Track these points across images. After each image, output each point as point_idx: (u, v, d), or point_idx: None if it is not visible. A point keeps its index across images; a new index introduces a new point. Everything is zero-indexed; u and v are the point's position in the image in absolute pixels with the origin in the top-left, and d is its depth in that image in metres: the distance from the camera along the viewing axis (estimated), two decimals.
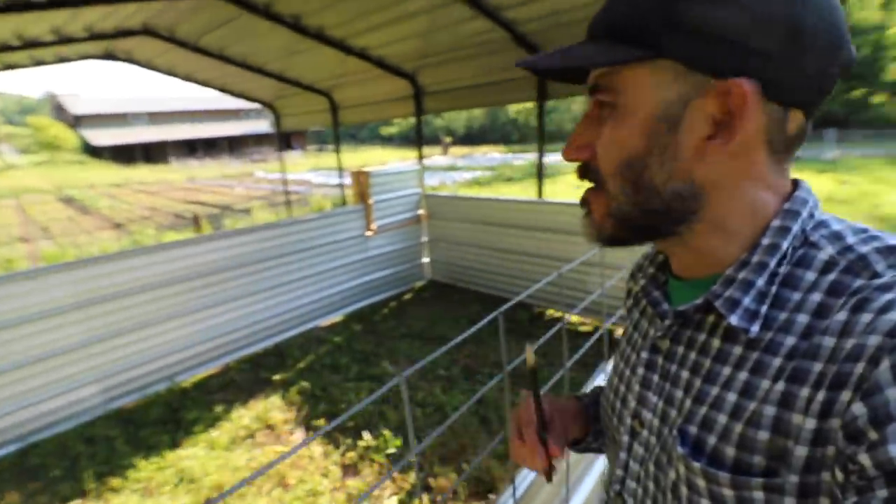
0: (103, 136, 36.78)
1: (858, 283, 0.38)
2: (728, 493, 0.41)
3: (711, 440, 0.43)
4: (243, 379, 3.69)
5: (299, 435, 2.99)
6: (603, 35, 0.44)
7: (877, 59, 26.74)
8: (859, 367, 0.34)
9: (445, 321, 4.47)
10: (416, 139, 5.56)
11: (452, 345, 0.79)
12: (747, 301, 0.42)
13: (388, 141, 51.14)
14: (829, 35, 0.40)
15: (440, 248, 5.44)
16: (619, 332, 3.83)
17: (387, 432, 2.88)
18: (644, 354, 0.54)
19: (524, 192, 13.36)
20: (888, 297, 0.35)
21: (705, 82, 0.40)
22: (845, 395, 0.34)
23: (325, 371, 3.72)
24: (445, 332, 4.25)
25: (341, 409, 3.18)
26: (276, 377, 3.67)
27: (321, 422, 3.07)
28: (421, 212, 5.39)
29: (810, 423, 0.36)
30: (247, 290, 3.98)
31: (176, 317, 3.59)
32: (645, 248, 0.66)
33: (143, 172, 29.20)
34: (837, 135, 20.62)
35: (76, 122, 39.11)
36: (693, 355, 0.48)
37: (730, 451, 0.41)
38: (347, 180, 5.69)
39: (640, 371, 0.54)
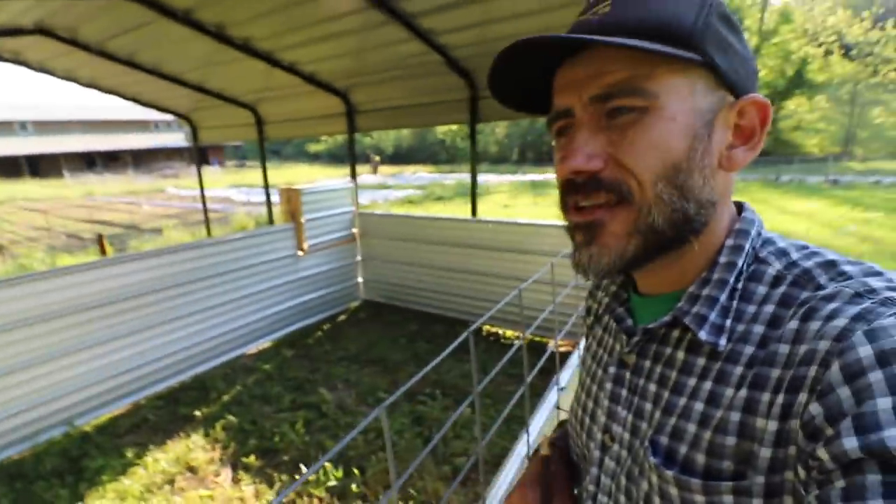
0: None
1: (805, 294, 0.41)
2: (699, 499, 0.42)
3: (683, 449, 0.44)
4: (159, 417, 3.31)
5: (227, 475, 2.72)
6: (626, 32, 0.42)
7: None
8: (812, 371, 0.36)
9: (383, 342, 4.36)
10: (349, 157, 5.45)
11: (429, 368, 0.74)
12: (713, 316, 0.45)
13: (314, 158, 49.81)
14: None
15: (374, 267, 5.33)
16: (564, 347, 3.97)
17: (327, 464, 2.71)
18: (612, 370, 0.55)
19: (456, 210, 13.59)
20: (832, 305, 0.38)
21: (725, 97, 0.45)
22: (802, 397, 0.36)
23: (255, 402, 3.45)
24: (384, 353, 4.14)
25: (275, 443, 2.95)
26: (198, 413, 3.34)
27: (252, 459, 2.82)
28: (354, 230, 5.26)
29: (772, 426, 0.38)
30: (162, 317, 3.61)
31: (74, 351, 3.14)
32: None
33: (28, 187, 25.83)
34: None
35: None
36: (659, 368, 0.49)
37: (700, 458, 0.43)
38: (275, 198, 5.43)
39: (609, 386, 0.55)
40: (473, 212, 4.61)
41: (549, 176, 24.56)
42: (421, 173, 30.13)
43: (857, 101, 34.26)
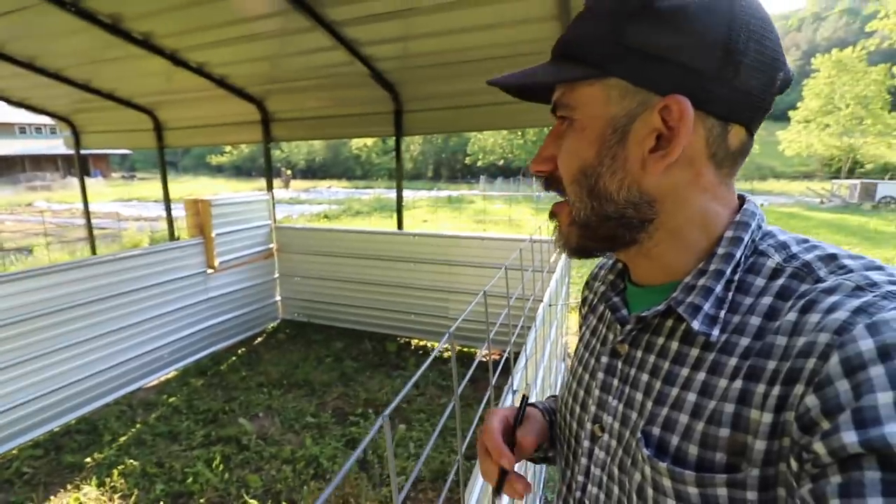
0: None
1: (804, 287, 0.41)
2: (693, 490, 0.42)
3: (674, 440, 0.44)
4: (37, 469, 2.79)
5: None
6: (560, 56, 0.49)
7: None
8: (811, 363, 0.36)
9: (307, 363, 4.11)
10: (265, 167, 5.14)
11: (413, 379, 0.69)
12: (707, 307, 0.45)
13: (217, 171, 46.39)
14: (763, 57, 0.44)
15: (294, 284, 5.04)
16: (495, 356, 4.01)
17: (252, 501, 2.45)
18: (604, 359, 0.55)
19: (376, 225, 13.39)
20: (833, 299, 0.38)
21: (649, 99, 0.44)
22: (798, 389, 0.36)
23: (160, 441, 3.05)
24: (309, 375, 3.89)
25: (187, 485, 2.61)
26: (89, 460, 2.86)
27: None
28: (272, 245, 4.94)
29: (767, 418, 0.38)
30: (35, 350, 3.04)
31: None
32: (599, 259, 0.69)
33: None
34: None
35: None
36: (652, 358, 0.49)
37: (693, 450, 0.42)
38: (179, 212, 4.92)
39: (601, 375, 0.55)
40: (399, 224, 4.56)
41: (465, 192, 25.25)
42: (336, 188, 29.39)
43: None
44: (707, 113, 0.44)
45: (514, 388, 1.60)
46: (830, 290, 0.39)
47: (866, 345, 0.33)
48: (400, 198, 4.55)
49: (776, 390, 0.38)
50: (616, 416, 0.52)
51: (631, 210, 0.47)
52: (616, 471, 0.51)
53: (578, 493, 0.56)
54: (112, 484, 2.64)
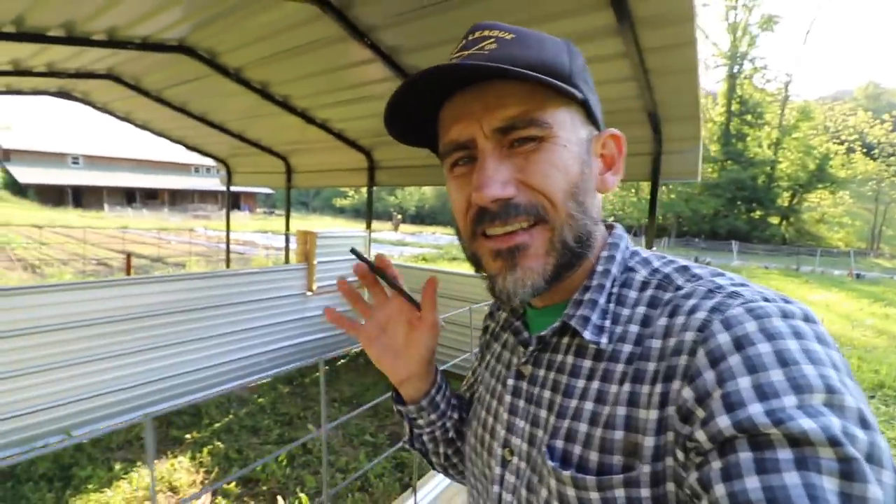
0: (32, 174, 34.49)
1: (668, 295, 0.46)
2: (595, 495, 0.43)
3: (577, 449, 0.46)
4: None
5: (206, 499, 2.75)
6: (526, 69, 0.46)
7: (770, 188, 31.34)
8: (683, 360, 0.40)
9: (377, 387, 4.41)
10: (367, 207, 5.79)
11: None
12: (595, 318, 0.49)
13: (340, 212, 51.60)
14: None
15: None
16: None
17: (303, 496, 2.73)
18: (510, 382, 0.56)
19: (467, 270, 13.76)
20: (691, 302, 0.43)
21: (592, 130, 0.52)
22: (676, 385, 0.40)
23: (244, 432, 3.51)
24: (376, 398, 4.17)
25: (256, 472, 2.99)
26: (188, 437, 3.41)
27: (232, 486, 2.86)
28: None
29: (653, 415, 0.41)
30: (167, 340, 3.78)
31: (79, 363, 3.29)
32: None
33: (69, 216, 27.32)
34: (739, 246, 23.51)
35: (5, 156, 36.65)
36: (553, 375, 0.51)
37: (593, 456, 0.44)
38: (294, 244, 5.74)
39: (508, 398, 0.56)
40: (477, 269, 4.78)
41: None
42: (440, 234, 30.79)
43: (882, 200, 34.34)
44: None
45: None
46: (689, 296, 0.44)
47: (723, 338, 0.38)
48: None
49: (658, 388, 0.41)
50: (524, 437, 0.53)
51: (595, 227, 0.52)
52: (524, 492, 0.51)
53: None
54: (200, 459, 3.12)
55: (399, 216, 34.30)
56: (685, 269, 0.49)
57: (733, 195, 31.41)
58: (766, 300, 0.40)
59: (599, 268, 0.51)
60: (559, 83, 0.46)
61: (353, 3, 2.62)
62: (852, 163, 32.64)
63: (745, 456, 0.33)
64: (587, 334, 0.47)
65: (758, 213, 32.15)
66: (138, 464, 3.04)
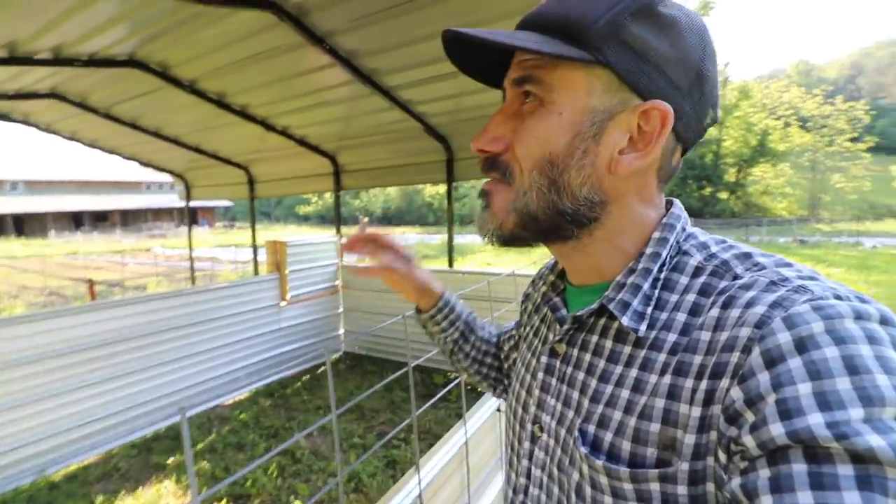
0: None
1: (723, 284, 0.42)
2: (628, 486, 0.42)
3: (608, 437, 0.44)
4: (130, 466, 3.29)
5: None
6: (540, 27, 0.45)
7: (717, 165, 32.95)
8: (735, 357, 0.37)
9: (361, 391, 4.42)
10: (335, 213, 5.76)
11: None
12: (636, 303, 0.46)
13: (304, 220, 50.61)
14: (714, 90, 0.47)
15: (356, 319, 5.46)
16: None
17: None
18: (543, 359, 0.56)
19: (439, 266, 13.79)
20: (750, 294, 0.39)
21: (630, 100, 0.44)
22: (724, 383, 0.37)
23: (229, 450, 3.45)
24: (361, 402, 4.19)
25: (247, 488, 2.96)
26: (170, 461, 3.33)
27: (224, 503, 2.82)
28: (338, 283, 5.45)
29: (696, 412, 0.38)
30: (139, 365, 3.65)
31: (46, 398, 3.14)
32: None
33: (12, 246, 25.66)
34: (693, 222, 24.80)
35: None
36: (588, 357, 0.50)
37: (626, 446, 0.43)
38: (262, 256, 5.64)
39: (540, 375, 0.55)
40: (450, 262, 4.86)
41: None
42: (409, 234, 30.73)
43: (818, 169, 36.66)
44: (672, 128, 0.45)
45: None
46: (747, 287, 0.40)
47: (784, 338, 0.34)
48: (451, 238, 4.88)
49: (704, 384, 0.38)
50: (554, 416, 0.52)
51: (585, 208, 0.47)
52: (556, 471, 0.51)
53: (521, 496, 0.56)
54: (186, 483, 3.06)
55: (366, 219, 33.80)
56: (747, 256, 0.45)
57: (684, 174, 32.77)
58: (838, 298, 0.36)
59: (648, 250, 0.47)
60: (546, 48, 0.42)
61: (310, 10, 2.62)
62: (789, 136, 34.73)
63: (798, 468, 0.30)
64: (625, 320, 0.45)
65: (708, 189, 33.69)
66: (121, 494, 2.95)
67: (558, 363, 0.53)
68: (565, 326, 0.52)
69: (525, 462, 0.55)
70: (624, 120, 0.45)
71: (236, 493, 2.94)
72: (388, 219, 45.07)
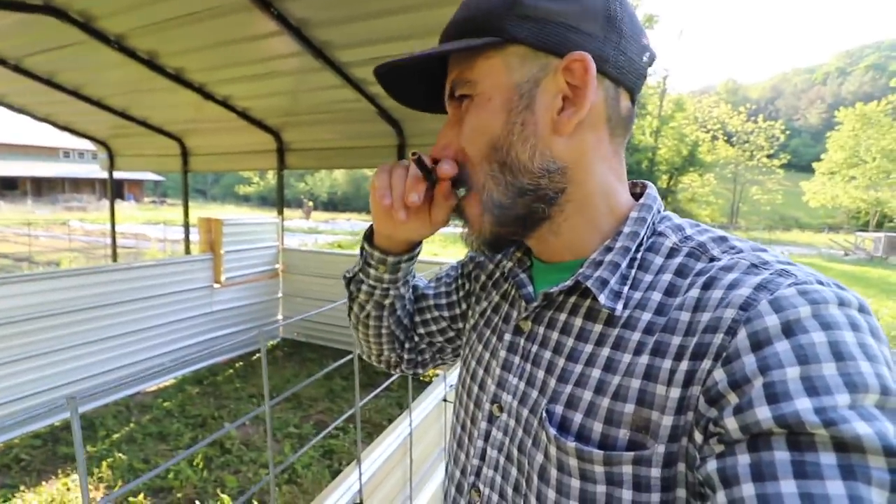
0: None
1: (700, 265, 0.42)
2: (599, 469, 0.41)
3: (577, 418, 0.43)
4: (33, 457, 2.97)
5: None
6: (455, 35, 0.48)
7: (652, 171, 35.04)
8: (718, 338, 0.36)
9: (299, 379, 4.26)
10: (278, 193, 5.49)
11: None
12: (613, 282, 0.45)
13: (245, 200, 48.14)
14: (635, 27, 0.47)
15: (296, 305, 5.26)
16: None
17: (225, 497, 2.58)
18: (507, 336, 0.54)
19: None
20: (732, 276, 0.39)
21: (549, 62, 0.45)
22: (706, 364, 0.36)
23: (150, 440, 3.21)
24: (299, 390, 4.04)
25: (168, 480, 2.76)
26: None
27: (140, 498, 2.61)
28: (278, 266, 5.21)
29: (674, 393, 0.38)
30: (45, 347, 3.29)
31: None
32: None
33: None
34: None
35: None
36: (555, 335, 0.49)
37: (597, 427, 0.42)
38: (195, 236, 5.26)
39: (503, 353, 0.54)
40: None
41: None
42: (355, 221, 30.12)
43: (739, 181, 39.93)
44: (603, 74, 0.45)
45: (450, 382, 1.75)
46: (728, 268, 0.40)
47: (771, 320, 0.34)
48: None
49: (683, 365, 0.38)
50: (516, 395, 0.50)
51: (545, 179, 0.46)
52: (515, 452, 0.49)
53: (472, 478, 0.54)
54: (99, 475, 2.80)
55: (310, 203, 32.85)
56: (723, 239, 0.45)
57: None
58: (821, 283, 0.36)
59: (626, 229, 0.47)
60: (455, 44, 0.46)
61: None
62: (716, 149, 37.50)
63: (781, 455, 0.30)
64: (603, 298, 0.44)
65: None
66: (21, 488, 2.65)
67: (523, 341, 0.52)
68: (534, 304, 0.51)
69: (480, 443, 0.53)
70: (550, 82, 0.45)
71: (156, 486, 2.73)
72: (334, 204, 43.88)
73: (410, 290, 0.73)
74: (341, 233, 20.65)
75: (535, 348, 0.50)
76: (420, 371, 0.79)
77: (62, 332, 3.38)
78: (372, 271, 0.65)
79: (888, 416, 0.30)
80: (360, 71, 3.62)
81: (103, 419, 3.43)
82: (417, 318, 0.75)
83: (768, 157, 37.71)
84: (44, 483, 2.72)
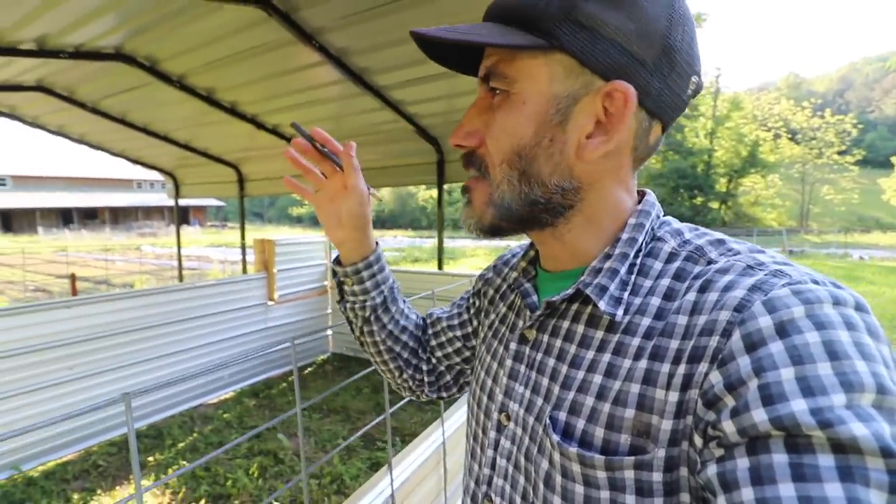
0: None
1: (698, 268, 0.42)
2: (601, 474, 0.41)
3: (580, 423, 0.43)
4: (109, 464, 3.23)
5: None
6: (501, 18, 0.45)
7: (709, 175, 33.35)
8: (714, 341, 0.36)
9: (347, 392, 4.38)
10: None
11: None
12: (613, 288, 0.45)
13: (297, 221, 50.38)
14: (690, 59, 0.45)
15: (344, 320, 5.42)
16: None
17: None
18: (512, 346, 0.55)
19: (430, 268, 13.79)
20: (728, 278, 0.39)
21: (593, 82, 0.43)
22: (703, 367, 0.36)
23: (211, 449, 3.40)
24: (347, 403, 4.15)
25: (227, 487, 2.91)
26: (151, 459, 3.27)
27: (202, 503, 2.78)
28: (326, 283, 5.42)
29: (673, 397, 0.38)
30: (121, 361, 3.60)
31: (25, 393, 3.09)
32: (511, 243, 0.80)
33: (0, 242, 25.29)
34: None
35: None
36: (559, 343, 0.49)
37: (599, 433, 0.42)
38: (251, 256, 5.59)
39: (509, 363, 0.54)
40: (440, 265, 4.85)
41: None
42: (402, 237, 30.70)
43: (807, 180, 37.20)
44: (641, 106, 0.44)
45: None
46: (724, 270, 0.40)
47: (765, 321, 0.34)
48: (441, 240, 4.87)
49: (681, 369, 0.38)
50: (522, 403, 0.51)
51: (558, 196, 0.46)
52: (522, 460, 0.49)
53: (485, 487, 0.54)
54: (166, 481, 3.00)
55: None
56: (721, 241, 0.45)
57: (676, 183, 33.09)
58: (816, 283, 0.36)
59: (624, 236, 0.47)
60: (498, 39, 0.42)
61: (299, 6, 2.61)
62: (779, 148, 35.22)
63: (779, 458, 0.30)
64: (603, 304, 0.44)
65: (699, 199, 34.04)
66: (98, 492, 2.90)
67: (528, 350, 0.52)
68: (537, 312, 0.51)
69: (490, 452, 0.54)
70: (588, 103, 0.44)
71: (216, 492, 2.89)
72: (382, 221, 44.98)
73: (400, 302, 0.77)
74: (388, 249, 21.11)
75: (539, 356, 0.51)
76: (444, 394, 0.80)
77: (135, 347, 3.68)
78: (346, 288, 0.72)
79: (885, 415, 0.29)
80: (398, 93, 3.75)
81: (170, 429, 3.68)
82: (433, 343, 0.77)
83: (839, 153, 34.97)
84: (118, 487, 2.95)
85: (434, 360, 0.78)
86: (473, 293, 0.73)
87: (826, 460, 0.29)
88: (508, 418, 0.52)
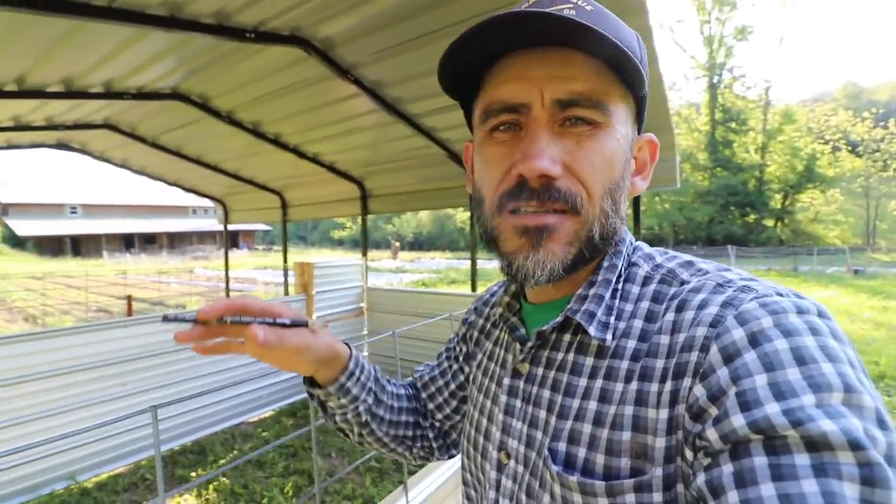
0: (31, 227, 34.73)
1: (672, 290, 0.45)
2: (602, 501, 0.41)
3: (581, 452, 0.43)
4: (156, 477, 3.39)
5: None
6: (595, 40, 0.41)
7: (761, 191, 31.78)
8: (694, 356, 0.38)
9: None
10: (362, 236, 5.90)
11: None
12: (600, 313, 0.46)
13: (339, 244, 51.83)
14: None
15: (380, 341, 5.51)
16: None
17: None
18: (506, 381, 0.54)
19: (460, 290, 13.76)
20: (701, 296, 0.41)
21: (634, 132, 0.50)
22: (687, 382, 0.38)
23: (249, 467, 3.51)
24: None
25: None
26: (194, 475, 3.41)
27: None
28: (363, 305, 5.53)
29: (663, 414, 0.39)
30: (169, 379, 3.80)
31: (79, 408, 3.30)
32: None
33: (69, 265, 27.42)
34: (736, 251, 23.74)
35: (3, 210, 36.97)
36: (552, 374, 0.49)
37: (600, 459, 0.42)
38: (293, 278, 5.81)
39: (503, 399, 0.54)
40: (473, 287, 4.86)
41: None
42: (439, 259, 30.91)
43: (872, 195, 34.70)
44: None
45: None
46: (697, 290, 0.42)
47: (738, 334, 0.36)
48: (474, 262, 4.90)
49: (668, 386, 0.39)
50: (521, 440, 0.50)
51: (622, 226, 0.50)
52: (524, 497, 0.48)
53: None
54: (206, 496, 3.12)
55: (397, 244, 34.51)
56: (690, 263, 0.48)
57: (726, 201, 31.75)
58: (780, 295, 0.38)
59: (605, 263, 0.49)
60: (640, 68, 0.43)
61: (335, 44, 2.78)
62: (839, 161, 33.09)
63: (759, 461, 0.31)
64: (592, 330, 0.45)
65: (752, 216, 32.46)
66: None
67: (522, 383, 0.52)
68: (528, 344, 0.51)
69: (492, 494, 0.52)
70: (635, 148, 0.51)
71: None
72: (420, 244, 45.56)
73: (387, 386, 0.69)
74: (425, 271, 21.29)
75: (534, 389, 0.50)
76: (454, 452, 0.76)
77: (183, 366, 3.88)
78: (329, 405, 0.63)
79: (854, 412, 0.31)
80: (430, 120, 3.87)
81: (212, 446, 3.83)
82: (431, 406, 0.73)
83: None
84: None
85: (437, 424, 0.75)
86: (459, 339, 0.72)
87: (801, 459, 0.30)
88: (508, 456, 0.51)
